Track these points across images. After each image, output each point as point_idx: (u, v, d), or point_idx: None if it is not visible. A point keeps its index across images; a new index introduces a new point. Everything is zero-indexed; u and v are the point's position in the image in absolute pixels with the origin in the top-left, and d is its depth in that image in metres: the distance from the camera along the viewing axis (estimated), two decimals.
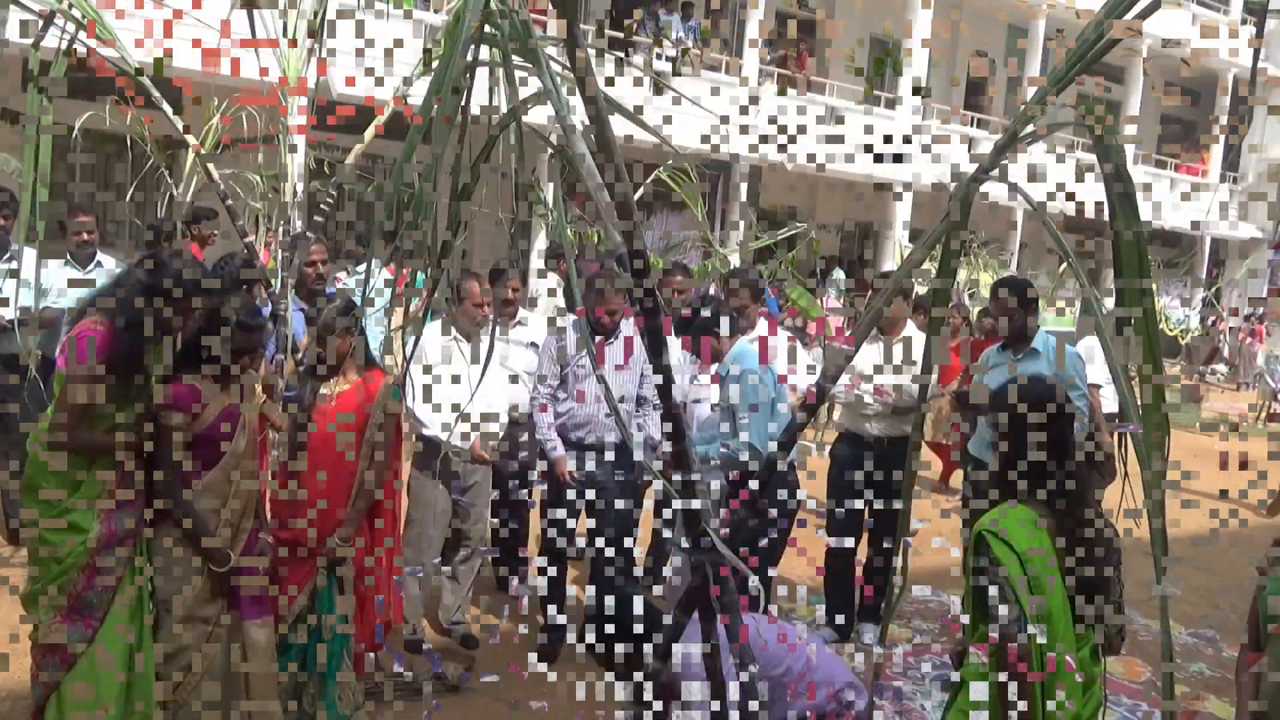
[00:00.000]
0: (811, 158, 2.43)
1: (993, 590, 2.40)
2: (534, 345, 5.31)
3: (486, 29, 1.75)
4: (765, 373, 4.29)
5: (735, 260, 11.25)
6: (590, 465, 4.75)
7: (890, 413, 5.03)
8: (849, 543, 5.21)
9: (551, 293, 7.34)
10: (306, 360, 3.87)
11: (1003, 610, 2.38)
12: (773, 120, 2.46)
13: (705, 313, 4.44)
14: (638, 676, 2.10)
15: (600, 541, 4.94)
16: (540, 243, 14.60)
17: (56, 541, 3.17)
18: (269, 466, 4.15)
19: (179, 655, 3.31)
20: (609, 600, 2.66)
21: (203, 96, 5.93)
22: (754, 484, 2.39)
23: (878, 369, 4.90)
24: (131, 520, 3.24)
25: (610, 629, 2.80)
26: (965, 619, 2.64)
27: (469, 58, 1.72)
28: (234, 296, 3.52)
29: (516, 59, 1.89)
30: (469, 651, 4.73)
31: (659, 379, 1.81)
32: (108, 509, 3.18)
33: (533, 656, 4.69)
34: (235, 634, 3.42)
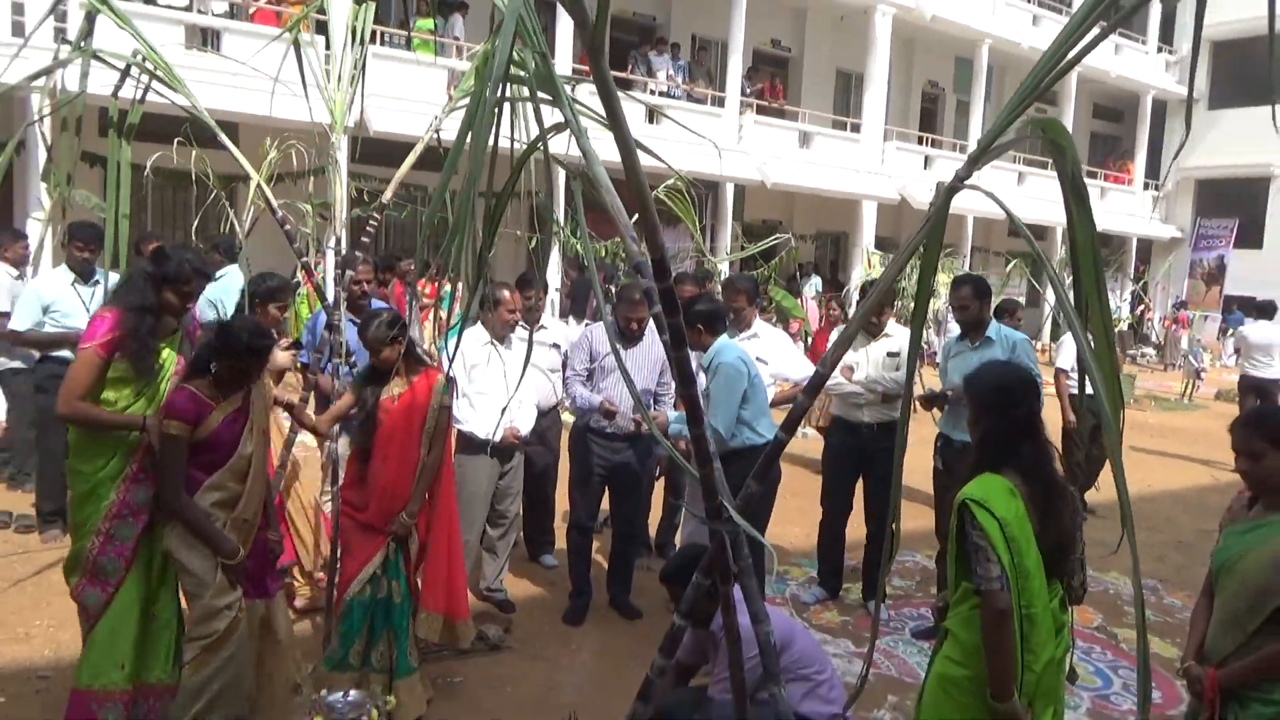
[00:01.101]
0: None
1: (976, 552, 2.37)
2: (555, 346, 5.30)
3: (511, 69, 1.73)
4: (740, 364, 4.24)
5: (725, 269, 11.22)
6: (612, 453, 4.73)
7: (880, 401, 4.99)
8: (841, 514, 5.18)
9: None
10: (362, 368, 3.86)
11: (985, 569, 2.36)
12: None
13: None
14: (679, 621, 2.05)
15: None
16: (554, 257, 14.54)
17: (82, 509, 3.12)
18: (329, 467, 4.12)
19: (204, 637, 3.12)
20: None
21: (258, 135, 5.91)
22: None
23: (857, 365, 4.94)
24: (147, 494, 3.15)
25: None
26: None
27: (498, 93, 1.70)
28: (244, 317, 3.46)
29: (540, 94, 1.86)
30: (507, 615, 4.71)
31: (678, 369, 1.79)
32: (127, 481, 3.12)
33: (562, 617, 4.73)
34: (255, 616, 3.28)
